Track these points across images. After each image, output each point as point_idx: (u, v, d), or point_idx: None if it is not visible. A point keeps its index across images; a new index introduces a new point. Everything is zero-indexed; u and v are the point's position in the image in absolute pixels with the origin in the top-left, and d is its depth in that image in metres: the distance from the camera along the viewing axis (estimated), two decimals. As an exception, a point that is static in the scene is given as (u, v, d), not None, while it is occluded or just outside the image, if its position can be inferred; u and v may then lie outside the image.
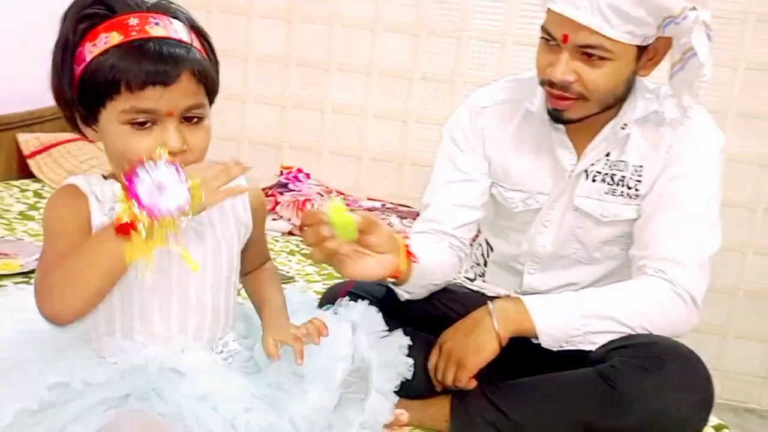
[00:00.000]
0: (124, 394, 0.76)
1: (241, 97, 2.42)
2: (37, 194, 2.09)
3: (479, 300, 1.12)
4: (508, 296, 1.12)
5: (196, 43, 0.80)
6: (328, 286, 1.25)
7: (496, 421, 0.97)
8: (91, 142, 0.83)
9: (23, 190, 2.10)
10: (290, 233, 2.10)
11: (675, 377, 0.92)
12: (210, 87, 0.80)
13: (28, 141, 2.23)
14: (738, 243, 2.21)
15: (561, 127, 1.11)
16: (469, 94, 1.25)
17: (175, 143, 0.76)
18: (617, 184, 1.11)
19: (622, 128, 1.09)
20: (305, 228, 0.87)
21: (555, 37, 1.00)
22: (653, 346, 0.97)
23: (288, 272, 1.73)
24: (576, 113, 1.05)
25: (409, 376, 0.94)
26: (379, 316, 0.97)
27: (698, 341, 2.26)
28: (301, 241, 0.93)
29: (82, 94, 0.77)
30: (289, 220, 2.13)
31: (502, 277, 1.26)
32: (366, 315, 0.96)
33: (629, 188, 1.11)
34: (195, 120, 0.79)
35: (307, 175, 2.36)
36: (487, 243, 1.29)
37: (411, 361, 0.94)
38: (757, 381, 2.28)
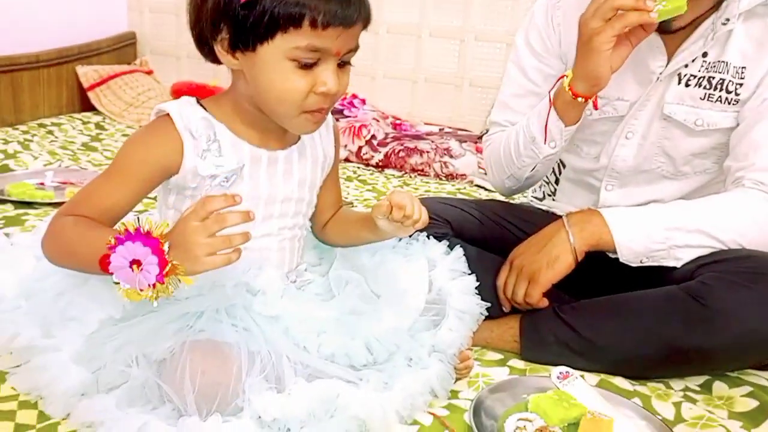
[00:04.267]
0: (200, 311, 0.75)
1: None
2: (99, 126, 2.12)
3: (550, 219, 1.05)
4: (583, 210, 1.04)
5: None
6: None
7: (570, 340, 0.92)
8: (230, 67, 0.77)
9: (85, 122, 2.13)
10: (347, 160, 2.06)
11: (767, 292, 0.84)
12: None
13: (87, 73, 2.25)
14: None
15: None
16: (531, 6, 1.13)
17: (335, 84, 0.75)
18: (715, 89, 0.99)
19: (724, 24, 0.95)
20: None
21: None
22: (746, 260, 0.88)
23: (346, 198, 1.70)
24: (686, 17, 0.91)
25: (481, 318, 0.89)
26: (461, 255, 0.91)
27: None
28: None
29: (247, 20, 0.72)
30: (345, 146, 2.08)
31: (575, 195, 1.17)
32: (446, 255, 0.92)
33: (729, 92, 0.98)
34: (345, 64, 0.77)
35: (363, 101, 2.29)
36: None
37: (486, 304, 0.89)
38: None
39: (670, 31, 0.95)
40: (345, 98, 2.29)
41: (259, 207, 0.81)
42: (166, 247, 0.65)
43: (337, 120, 2.19)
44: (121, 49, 2.45)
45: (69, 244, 0.73)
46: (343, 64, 0.76)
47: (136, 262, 0.64)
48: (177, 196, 0.81)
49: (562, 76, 0.98)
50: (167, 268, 0.64)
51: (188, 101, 0.80)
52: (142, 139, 0.79)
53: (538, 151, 1.04)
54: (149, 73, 2.46)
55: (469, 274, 0.90)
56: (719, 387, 0.90)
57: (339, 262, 0.91)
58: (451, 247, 0.92)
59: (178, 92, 2.24)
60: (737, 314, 0.83)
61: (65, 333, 0.75)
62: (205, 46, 0.77)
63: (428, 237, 0.93)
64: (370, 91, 2.31)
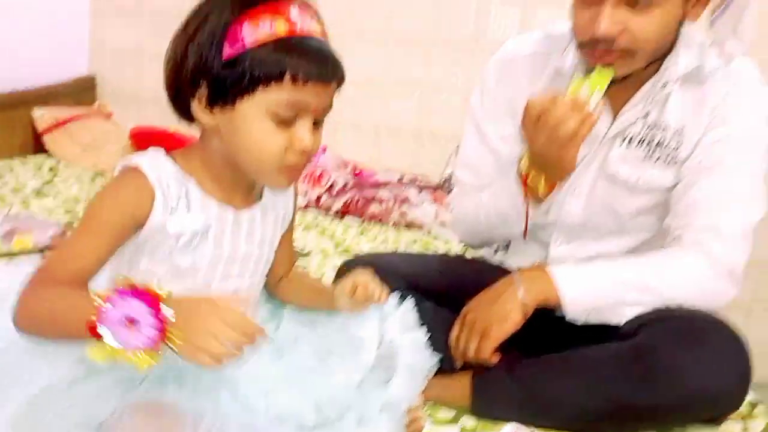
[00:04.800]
0: (155, 379, 0.74)
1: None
2: (52, 170, 2.08)
3: (503, 274, 1.07)
4: (532, 267, 1.07)
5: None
6: (344, 260, 1.20)
7: (519, 397, 0.94)
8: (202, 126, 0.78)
9: (38, 167, 2.09)
10: (306, 207, 2.06)
11: (714, 352, 0.88)
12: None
13: (43, 116, 2.22)
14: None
15: None
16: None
17: (310, 142, 0.75)
18: (655, 149, 1.04)
19: (663, 87, 1.01)
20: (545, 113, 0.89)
21: None
22: (690, 319, 0.92)
23: (303, 249, 1.69)
24: (623, 70, 0.96)
25: (431, 373, 0.90)
26: (411, 307, 0.93)
27: (729, 315, 2.20)
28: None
29: (228, 76, 0.72)
30: (305, 193, 2.09)
31: (526, 250, 1.20)
32: (398, 307, 0.93)
33: (668, 153, 1.04)
34: (318, 123, 0.78)
35: (324, 149, 2.31)
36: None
37: (435, 359, 0.90)
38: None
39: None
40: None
41: (219, 266, 0.81)
42: (169, 314, 0.63)
43: (298, 167, 2.20)
44: (80, 92, 2.43)
45: (50, 312, 0.69)
46: (316, 123, 0.77)
47: (132, 321, 0.62)
48: (134, 250, 0.79)
49: (525, 177, 1.01)
50: (164, 335, 0.62)
51: (157, 154, 0.78)
52: (113, 192, 0.77)
53: (514, 230, 1.07)
54: (108, 116, 2.43)
55: (421, 326, 0.91)
56: (668, 442, 0.92)
57: (290, 315, 0.91)
58: (404, 299, 0.93)
59: (137, 136, 2.22)
60: (681, 373, 0.86)
61: (5, 394, 0.72)
62: (180, 103, 0.77)
63: None
64: (333, 139, 2.34)
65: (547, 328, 1.00)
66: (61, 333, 0.69)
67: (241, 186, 0.81)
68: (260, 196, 0.85)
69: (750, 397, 1.06)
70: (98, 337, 0.63)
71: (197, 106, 0.76)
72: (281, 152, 0.75)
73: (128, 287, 0.63)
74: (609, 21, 0.91)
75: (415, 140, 2.33)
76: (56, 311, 0.69)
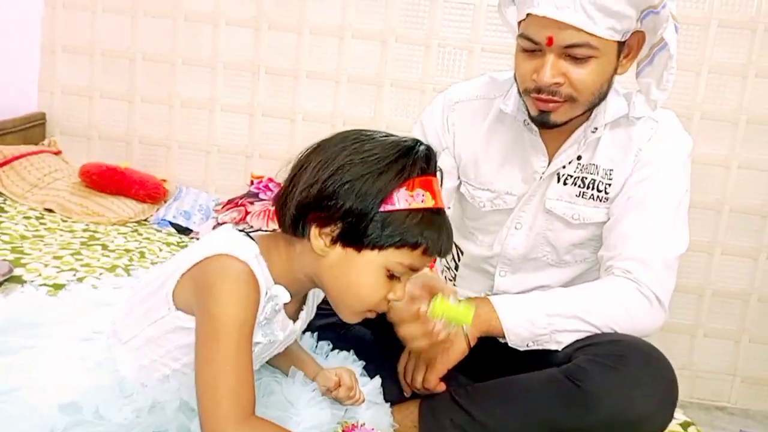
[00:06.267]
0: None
1: (209, 105, 2.39)
2: (-2, 208, 2.03)
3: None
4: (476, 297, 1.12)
5: None
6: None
7: (464, 423, 0.97)
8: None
9: (-16, 204, 2.04)
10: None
11: (638, 374, 0.93)
12: None
13: (-12, 153, 2.17)
14: (705, 244, 2.25)
15: (535, 129, 1.10)
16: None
17: (403, 297, 0.81)
18: (588, 187, 1.12)
19: (593, 132, 1.09)
20: (404, 324, 0.91)
21: (538, 41, 0.99)
22: (617, 344, 0.98)
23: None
24: (563, 116, 1.04)
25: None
26: (378, 385, 0.99)
27: (668, 341, 2.31)
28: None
29: (372, 226, 0.76)
30: (260, 230, 2.10)
31: (473, 281, 1.26)
32: (362, 377, 0.99)
33: (599, 191, 1.12)
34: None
35: (278, 185, 2.33)
36: (457, 246, 1.29)
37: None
38: (726, 379, 2.32)
39: (551, 126, 1.06)
40: (261, 181, 2.34)
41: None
42: None
43: (252, 203, 2.22)
44: (29, 129, 2.40)
45: None
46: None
47: None
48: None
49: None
50: None
51: (254, 251, 0.77)
52: (242, 296, 0.75)
53: None
54: (57, 153, 2.41)
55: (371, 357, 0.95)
56: (599, 463, 0.96)
57: (257, 371, 0.93)
58: (349, 334, 0.97)
59: (87, 173, 2.21)
60: (607, 395, 0.91)
61: None
62: (297, 219, 0.78)
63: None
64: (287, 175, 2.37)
65: (493, 354, 1.04)
66: None
67: (300, 297, 0.85)
68: (304, 302, 0.89)
69: (682, 417, 1.12)
70: None
71: (318, 233, 0.77)
72: (379, 300, 0.80)
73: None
74: (552, 71, 0.99)
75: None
76: None
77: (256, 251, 0.78)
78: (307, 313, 0.90)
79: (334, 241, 0.77)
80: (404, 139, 0.80)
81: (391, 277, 0.79)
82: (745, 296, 2.28)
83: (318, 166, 0.77)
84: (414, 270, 0.80)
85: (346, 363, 1.00)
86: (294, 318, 0.86)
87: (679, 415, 1.12)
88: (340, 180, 0.75)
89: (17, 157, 2.21)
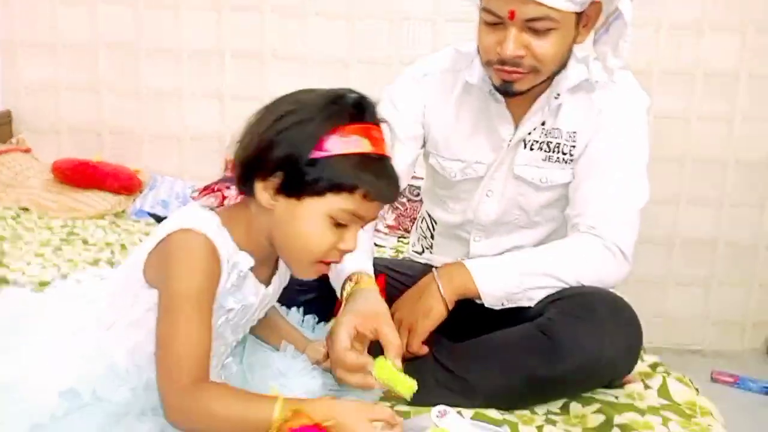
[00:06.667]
0: (137, 412, 0.78)
1: (177, 92, 2.38)
2: (-28, 210, 2.02)
3: (428, 271, 1.16)
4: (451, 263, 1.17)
5: None
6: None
7: (448, 381, 1.02)
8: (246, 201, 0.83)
9: (-43, 207, 2.03)
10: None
11: (604, 323, 0.99)
12: None
13: (-43, 156, 2.15)
14: (671, 195, 2.33)
15: (501, 98, 1.14)
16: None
17: (355, 246, 0.83)
18: (553, 151, 1.16)
19: (556, 98, 1.14)
20: (345, 373, 0.92)
21: (500, 15, 1.02)
22: (583, 296, 1.04)
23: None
24: (526, 85, 1.08)
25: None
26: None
27: (641, 290, 2.40)
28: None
29: (306, 174, 0.78)
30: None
31: (449, 248, 1.30)
32: None
33: (564, 154, 1.16)
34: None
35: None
36: (429, 215, 1.33)
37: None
38: (697, 323, 2.43)
39: (513, 94, 1.10)
40: (235, 165, 2.35)
41: (231, 328, 0.87)
42: None
43: (228, 188, 2.22)
44: (-4, 129, 2.37)
45: (225, 423, 0.74)
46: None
47: None
48: None
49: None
50: None
51: (214, 222, 0.80)
52: (190, 264, 0.77)
53: None
54: (27, 151, 2.39)
55: None
56: (575, 407, 1.02)
57: (251, 345, 0.99)
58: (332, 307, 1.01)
59: (59, 169, 2.20)
60: (575, 344, 0.97)
61: None
62: (245, 178, 0.81)
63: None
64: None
65: (472, 314, 1.09)
66: None
67: (270, 262, 0.88)
68: (276, 267, 0.91)
69: (652, 359, 1.19)
70: None
71: (263, 187, 0.80)
72: (327, 249, 0.81)
73: (298, 426, 0.71)
74: (515, 44, 1.02)
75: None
76: (230, 423, 0.74)
77: (217, 222, 0.81)
78: (280, 278, 0.93)
79: (277, 193, 0.80)
80: (337, 89, 0.83)
81: (338, 225, 0.80)
82: (713, 242, 2.37)
83: (257, 123, 0.82)
84: (359, 217, 0.81)
85: None
86: (267, 282, 0.89)
87: (650, 358, 1.19)
88: (274, 130, 0.79)
89: (-13, 158, 2.19)
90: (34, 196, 2.12)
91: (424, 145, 1.24)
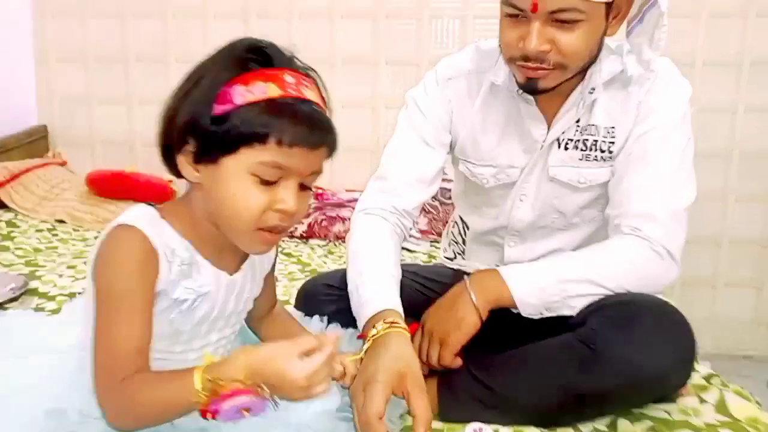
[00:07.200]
0: None
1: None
2: (10, 224, 2.06)
3: (461, 278, 1.11)
4: (484, 269, 1.11)
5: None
6: (304, 281, 1.24)
7: (483, 396, 0.97)
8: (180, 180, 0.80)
9: (-5, 221, 2.07)
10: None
11: (650, 331, 0.92)
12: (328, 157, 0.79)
13: (-5, 171, 2.19)
14: (718, 192, 2.22)
15: (530, 98, 1.08)
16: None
17: (294, 203, 0.75)
18: (590, 149, 1.10)
19: (590, 93, 1.07)
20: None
21: (522, 8, 0.96)
22: (629, 303, 0.97)
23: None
24: (552, 82, 1.01)
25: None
26: None
27: (689, 293, 2.30)
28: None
29: (215, 133, 0.73)
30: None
31: (482, 253, 1.25)
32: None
33: (602, 151, 1.09)
34: (305, 188, 0.78)
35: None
36: (462, 220, 1.28)
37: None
38: (749, 327, 2.30)
39: (539, 92, 1.03)
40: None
41: (205, 325, 0.83)
42: (266, 394, 0.69)
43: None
44: (32, 143, 2.41)
45: (151, 410, 0.72)
46: (303, 188, 0.77)
47: (244, 409, 0.69)
48: None
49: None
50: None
51: (150, 214, 0.78)
52: (119, 259, 0.75)
53: None
54: (63, 164, 2.42)
55: None
56: (623, 425, 0.96)
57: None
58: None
59: (94, 181, 2.22)
60: (620, 356, 0.90)
61: None
62: (170, 158, 0.78)
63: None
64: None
65: (509, 324, 1.03)
66: (166, 420, 0.74)
67: (229, 248, 0.82)
68: (247, 254, 0.86)
69: (706, 369, 1.11)
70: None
71: (183, 161, 0.77)
72: (259, 211, 0.74)
73: (229, 391, 0.68)
74: (539, 38, 0.95)
75: (372, 156, 2.37)
76: (158, 409, 0.72)
77: (152, 214, 0.78)
78: (252, 264, 0.87)
79: (196, 162, 0.76)
80: (233, 40, 0.78)
81: (267, 183, 0.74)
82: (763, 241, 2.25)
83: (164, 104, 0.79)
84: (283, 169, 0.74)
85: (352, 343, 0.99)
86: (233, 270, 0.84)
87: (704, 368, 1.11)
88: (175, 98, 0.77)
89: (24, 172, 2.23)
90: (70, 209, 2.14)
91: (450, 150, 1.20)
